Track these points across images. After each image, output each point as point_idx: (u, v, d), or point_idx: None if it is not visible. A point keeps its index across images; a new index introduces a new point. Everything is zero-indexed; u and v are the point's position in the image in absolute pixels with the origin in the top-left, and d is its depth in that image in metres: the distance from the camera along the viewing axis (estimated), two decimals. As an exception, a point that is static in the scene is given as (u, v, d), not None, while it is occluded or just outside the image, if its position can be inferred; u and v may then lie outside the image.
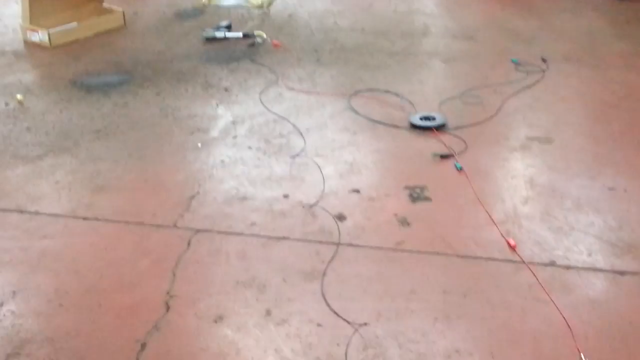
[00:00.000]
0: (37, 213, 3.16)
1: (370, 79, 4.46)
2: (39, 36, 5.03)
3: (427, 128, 3.80)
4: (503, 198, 3.19)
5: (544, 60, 4.68)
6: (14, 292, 2.69)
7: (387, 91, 4.26)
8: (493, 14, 5.67)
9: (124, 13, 5.43)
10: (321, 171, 3.43)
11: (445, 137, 3.70)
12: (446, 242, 2.88)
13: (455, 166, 3.43)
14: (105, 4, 5.50)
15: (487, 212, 3.05)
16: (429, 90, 4.32)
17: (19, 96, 4.24)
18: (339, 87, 4.37)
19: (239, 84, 4.44)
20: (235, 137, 3.81)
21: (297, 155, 3.58)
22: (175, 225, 3.05)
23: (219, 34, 5.15)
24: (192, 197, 3.25)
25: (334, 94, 4.27)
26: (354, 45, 5.05)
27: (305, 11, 5.74)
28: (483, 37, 5.16)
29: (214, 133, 3.85)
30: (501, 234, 2.92)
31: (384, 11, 5.76)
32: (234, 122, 3.96)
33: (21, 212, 3.17)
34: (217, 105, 4.16)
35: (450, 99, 4.14)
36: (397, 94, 4.22)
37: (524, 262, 2.75)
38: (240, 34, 5.15)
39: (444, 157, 3.52)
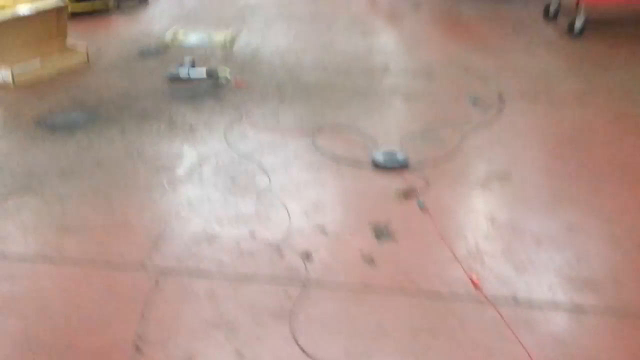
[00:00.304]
0: (2, 255, 3.15)
1: (333, 117, 4.54)
2: (1, 75, 5.02)
3: (389, 167, 3.87)
4: (465, 235, 3.27)
5: (500, 98, 4.80)
6: (-19, 337, 2.68)
7: (349, 129, 4.33)
8: (450, 51, 5.82)
9: (87, 52, 5.46)
10: (287, 209, 3.48)
11: (407, 175, 3.78)
12: (412, 280, 2.95)
13: (418, 204, 3.50)
14: (69, 43, 5.52)
15: (451, 250, 3.13)
16: (391, 128, 4.41)
17: (-18, 136, 4.23)
18: (302, 124, 4.44)
19: (203, 122, 4.48)
20: (201, 175, 3.84)
21: (263, 193, 3.63)
22: (142, 266, 3.06)
23: (183, 73, 5.19)
24: (159, 236, 3.27)
25: (297, 131, 4.33)
26: (316, 83, 5.13)
27: (267, 49, 5.83)
28: (441, 75, 5.30)
29: (180, 172, 3.89)
30: (465, 271, 2.99)
31: (345, 49, 5.87)
32: (199, 161, 4.00)
33: (-13, 254, 3.16)
34: (182, 144, 4.20)
35: (411, 137, 4.23)
36: (359, 132, 4.29)
37: (487, 299, 2.82)
38: (203, 73, 5.19)
39: (406, 194, 3.60)
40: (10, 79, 4.99)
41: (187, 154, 4.08)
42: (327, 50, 5.86)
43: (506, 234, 3.26)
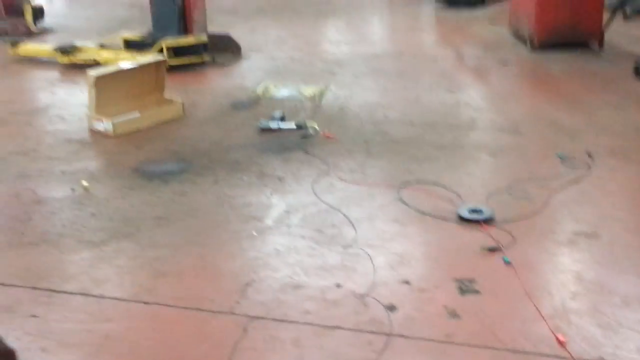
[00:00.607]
0: (101, 297, 3.32)
1: (419, 171, 4.59)
2: (104, 125, 5.30)
3: (475, 221, 3.89)
4: (551, 293, 3.25)
5: (589, 155, 4.76)
6: (78, 374, 2.82)
7: (435, 183, 4.37)
8: (538, 107, 5.81)
9: (183, 104, 5.70)
10: (372, 261, 3.53)
11: (492, 231, 3.78)
12: (495, 336, 2.95)
13: (504, 260, 3.50)
14: (166, 95, 5.78)
15: (536, 307, 3.12)
16: (476, 183, 4.42)
17: (84, 183, 4.47)
18: (388, 178, 4.51)
19: (292, 174, 4.60)
20: (289, 226, 3.95)
21: (349, 245, 3.69)
22: (231, 312, 3.16)
23: (273, 125, 5.35)
24: (248, 284, 3.38)
25: (383, 185, 4.39)
26: (403, 138, 5.20)
27: (355, 103, 5.95)
28: (529, 131, 5.29)
29: (269, 222, 4.00)
30: (550, 329, 2.97)
31: (431, 103, 5.94)
32: (287, 212, 4.11)
33: (85, 295, 3.33)
34: (271, 194, 4.32)
35: (497, 192, 4.23)
36: (445, 187, 4.33)
37: (573, 358, 2.79)
38: (293, 125, 5.34)
39: (492, 250, 3.60)
40: (111, 129, 5.26)
41: (276, 204, 4.20)
42: (414, 105, 5.93)
43: (593, 293, 3.23)
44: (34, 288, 3.40)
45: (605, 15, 7.44)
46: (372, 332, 3.01)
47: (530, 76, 6.79)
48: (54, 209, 4.18)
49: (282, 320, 3.11)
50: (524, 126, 5.38)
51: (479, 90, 6.41)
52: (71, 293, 3.36)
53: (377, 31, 8.88)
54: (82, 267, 3.58)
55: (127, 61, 5.97)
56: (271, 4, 9.56)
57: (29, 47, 7.46)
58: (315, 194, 4.30)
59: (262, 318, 3.13)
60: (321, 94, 6.08)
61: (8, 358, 2.70)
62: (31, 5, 8.41)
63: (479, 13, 8.98)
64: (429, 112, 5.74)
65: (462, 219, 3.93)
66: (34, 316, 3.19)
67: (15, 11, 8.34)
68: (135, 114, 5.44)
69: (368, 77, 6.70)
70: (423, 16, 9.32)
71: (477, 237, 3.74)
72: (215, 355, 2.90)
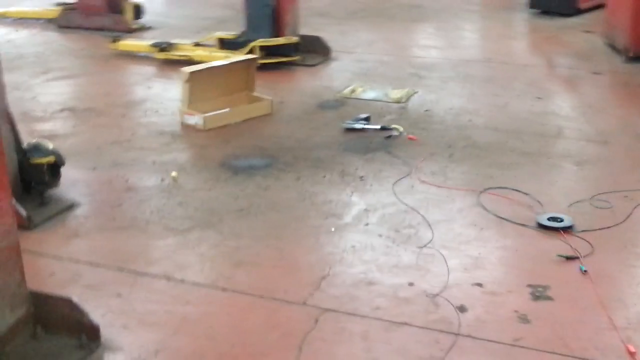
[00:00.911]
0: (182, 281, 3.47)
1: (501, 177, 4.57)
2: (195, 119, 5.49)
3: (554, 229, 3.86)
4: (626, 304, 3.21)
5: (679, 169, 4.64)
6: (156, 351, 2.98)
7: (516, 190, 4.35)
8: (629, 119, 5.68)
9: (271, 101, 5.84)
10: (446, 263, 3.56)
11: (571, 239, 3.75)
12: (565, 343, 2.94)
13: (580, 269, 3.48)
14: (256, 93, 5.93)
15: (609, 317, 3.09)
16: (559, 192, 4.38)
17: (173, 173, 4.65)
18: (469, 182, 4.51)
19: (373, 174, 4.66)
20: (366, 224, 4.02)
21: (425, 246, 3.73)
22: (305, 303, 3.26)
23: (358, 126, 5.42)
24: (323, 277, 3.47)
25: (464, 189, 4.40)
26: (486, 143, 5.18)
27: (441, 108, 5.96)
28: (617, 142, 5.19)
29: (347, 219, 4.08)
30: (621, 339, 2.94)
31: (519, 111, 5.88)
32: (366, 210, 4.18)
33: (168, 279, 3.50)
34: (352, 193, 4.39)
35: (579, 202, 4.18)
36: (526, 193, 4.30)
37: (643, 369, 2.76)
38: (378, 126, 5.39)
39: (569, 258, 3.58)
40: (202, 123, 5.44)
41: (356, 203, 4.28)
42: (501, 111, 5.89)
43: (671, 307, 3.17)
44: (120, 269, 3.58)
45: None
46: (441, 331, 3.05)
47: (622, 87, 6.62)
48: (144, 197, 4.37)
49: (352, 314, 3.19)
50: (612, 137, 5.28)
51: (568, 100, 6.31)
52: (154, 276, 3.53)
53: (467, 37, 8.82)
54: (166, 252, 3.75)
55: (220, 60, 6.14)
56: (363, 8, 9.63)
57: (128, 43, 7.75)
58: (395, 195, 4.35)
59: (334, 311, 3.21)
60: (408, 97, 6.10)
61: (92, 332, 2.91)
62: (131, 3, 8.73)
63: (573, 21, 8.78)
64: (515, 119, 5.68)
65: (541, 226, 3.92)
66: (119, 295, 3.37)
67: (116, 8, 8.69)
68: (226, 110, 5.59)
69: (455, 82, 6.67)
70: (515, 24, 9.19)
71: (555, 245, 3.71)
72: (285, 343, 3.01)
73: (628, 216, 4.02)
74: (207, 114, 5.49)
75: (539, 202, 4.20)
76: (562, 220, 3.92)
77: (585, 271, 3.45)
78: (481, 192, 4.34)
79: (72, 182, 4.48)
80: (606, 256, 3.60)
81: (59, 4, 9.09)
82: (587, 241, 3.72)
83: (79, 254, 3.77)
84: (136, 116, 5.90)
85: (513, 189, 4.37)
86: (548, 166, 4.79)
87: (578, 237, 3.78)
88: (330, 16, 9.34)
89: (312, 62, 7.22)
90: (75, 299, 2.98)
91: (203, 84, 5.68)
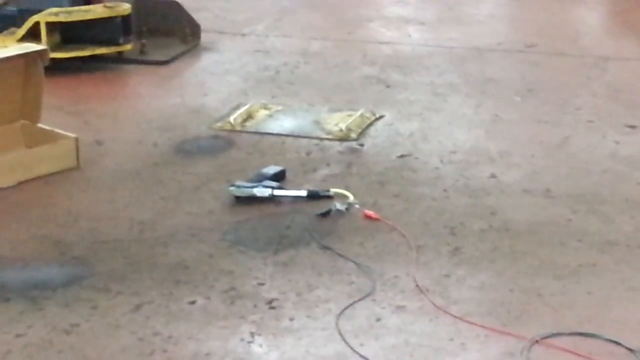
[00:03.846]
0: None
1: (562, 299, 2.88)
2: None
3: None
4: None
5: None
6: None
7: (596, 336, 2.63)
8: None
9: (77, 142, 3.51)
10: None
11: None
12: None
13: None
14: (43, 124, 3.64)
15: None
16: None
17: None
18: (495, 310, 2.84)
19: (296, 294, 3.03)
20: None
21: None
22: None
23: (262, 192, 3.51)
24: None
25: (488, 327, 2.72)
26: (528, 224, 3.27)
27: (432, 149, 3.83)
28: None
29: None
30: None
31: (590, 155, 3.84)
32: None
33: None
34: (252, 338, 2.83)
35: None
36: (617, 342, 2.59)
37: None
38: (302, 193, 3.51)
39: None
40: None
41: (260, 360, 2.57)
42: (555, 154, 3.78)
43: None
44: None
45: None
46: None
47: None
48: None
49: None
50: None
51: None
52: None
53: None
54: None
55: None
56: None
57: None
58: (345, 341, 2.68)
59: None
60: (363, 129, 3.90)
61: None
62: None
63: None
64: (584, 173, 3.69)
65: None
66: None
67: None
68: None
69: (460, 95, 4.36)
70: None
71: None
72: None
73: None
74: None
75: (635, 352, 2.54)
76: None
77: None
78: (527, 337, 2.64)
79: None
80: None
81: None
82: None
83: None
84: None
85: (589, 334, 2.65)
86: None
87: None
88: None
89: (162, 57, 4.82)
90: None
91: None
